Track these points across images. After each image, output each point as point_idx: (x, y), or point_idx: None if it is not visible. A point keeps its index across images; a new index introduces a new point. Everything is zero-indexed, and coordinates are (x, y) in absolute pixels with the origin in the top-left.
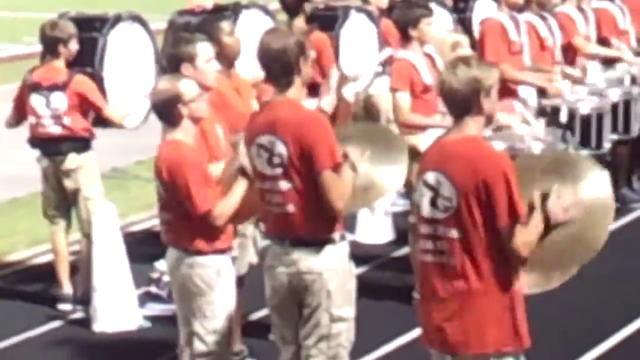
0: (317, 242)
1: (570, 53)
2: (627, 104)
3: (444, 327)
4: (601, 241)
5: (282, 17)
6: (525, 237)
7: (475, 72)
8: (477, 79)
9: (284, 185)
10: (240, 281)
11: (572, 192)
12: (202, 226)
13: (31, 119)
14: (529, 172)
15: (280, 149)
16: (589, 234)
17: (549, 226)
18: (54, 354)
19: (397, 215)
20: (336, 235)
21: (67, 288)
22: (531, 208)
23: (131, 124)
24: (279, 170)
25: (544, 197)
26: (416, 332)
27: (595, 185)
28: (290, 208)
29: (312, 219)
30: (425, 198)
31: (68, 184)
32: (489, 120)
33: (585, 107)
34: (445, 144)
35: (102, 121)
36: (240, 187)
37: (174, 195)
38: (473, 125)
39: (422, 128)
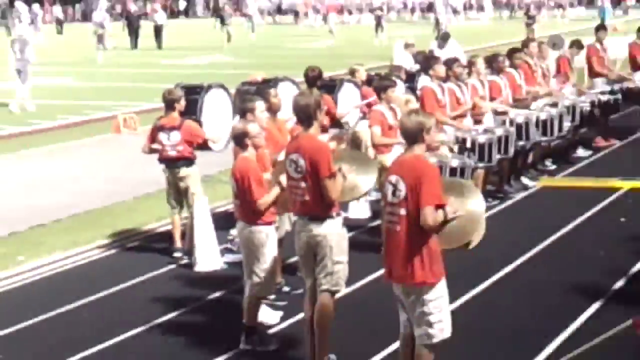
0: (324, 217)
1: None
2: (506, 137)
3: (397, 266)
4: (479, 233)
5: (304, 86)
6: (436, 216)
7: (420, 118)
8: (421, 122)
9: (303, 184)
10: (280, 241)
11: (461, 203)
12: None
13: (159, 147)
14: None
15: (301, 163)
16: (470, 228)
17: (446, 220)
18: (171, 285)
19: (372, 202)
20: (334, 213)
21: (179, 244)
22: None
23: (218, 148)
24: (300, 176)
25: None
26: (381, 272)
27: (476, 202)
28: (307, 197)
29: (319, 204)
30: (389, 190)
31: (181, 185)
32: (429, 147)
33: (482, 138)
34: (402, 160)
35: (202, 146)
36: (275, 191)
37: (242, 189)
38: (418, 150)
39: (388, 147)
